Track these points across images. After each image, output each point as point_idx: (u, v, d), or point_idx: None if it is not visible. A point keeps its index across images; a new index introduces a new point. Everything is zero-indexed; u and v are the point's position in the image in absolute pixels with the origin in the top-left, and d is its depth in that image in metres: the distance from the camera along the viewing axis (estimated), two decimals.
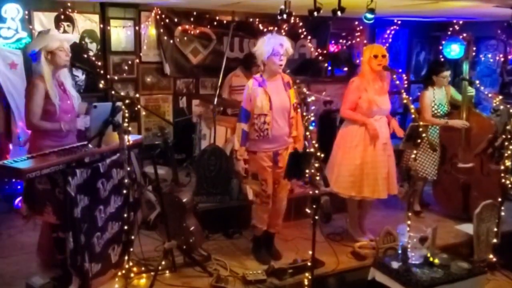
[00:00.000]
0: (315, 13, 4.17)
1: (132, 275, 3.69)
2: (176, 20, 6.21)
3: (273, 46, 3.78)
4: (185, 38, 6.32)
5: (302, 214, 3.89)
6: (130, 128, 3.33)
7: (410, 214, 3.69)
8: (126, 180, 3.36)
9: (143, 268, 3.88)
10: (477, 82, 5.14)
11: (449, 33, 7.39)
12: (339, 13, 4.25)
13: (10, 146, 5.24)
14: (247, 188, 4.89)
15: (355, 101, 4.26)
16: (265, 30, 6.37)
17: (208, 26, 6.38)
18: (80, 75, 5.82)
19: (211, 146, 5.15)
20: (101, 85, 3.77)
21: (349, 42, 7.35)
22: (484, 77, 7.58)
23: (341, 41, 7.38)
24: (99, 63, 5.83)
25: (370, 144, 4.24)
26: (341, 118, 5.73)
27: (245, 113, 3.92)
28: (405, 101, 4.02)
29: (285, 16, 4.25)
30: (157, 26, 6.14)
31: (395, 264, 3.51)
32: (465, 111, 4.99)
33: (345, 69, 7.40)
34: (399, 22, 7.35)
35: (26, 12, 5.37)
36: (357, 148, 4.27)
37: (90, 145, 3.39)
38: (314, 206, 3.04)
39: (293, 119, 3.93)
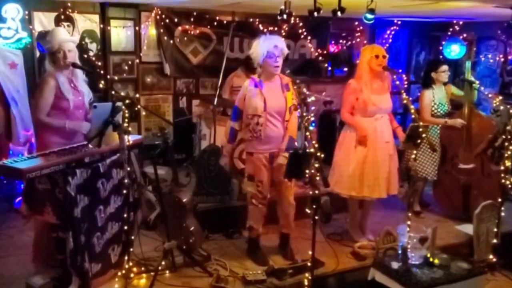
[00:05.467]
0: (315, 13, 4.18)
1: (132, 275, 3.69)
2: (176, 20, 6.21)
3: (267, 48, 3.78)
4: (185, 38, 6.32)
5: (302, 214, 3.88)
6: (130, 128, 3.33)
7: (410, 214, 3.69)
8: (126, 180, 3.36)
9: (143, 268, 3.88)
10: (477, 82, 5.13)
11: (449, 33, 7.39)
12: (339, 13, 4.25)
13: (10, 146, 5.24)
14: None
15: (353, 102, 4.28)
16: (265, 30, 6.37)
17: (208, 26, 6.38)
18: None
19: (211, 146, 5.16)
20: (101, 85, 3.77)
21: (349, 43, 7.35)
22: (484, 77, 7.57)
23: (341, 41, 7.38)
24: (99, 63, 5.83)
25: (371, 144, 4.24)
26: (341, 119, 5.74)
27: (236, 112, 3.99)
28: (405, 101, 4.02)
29: (285, 16, 4.25)
30: (157, 26, 6.14)
31: (395, 265, 3.51)
32: (467, 111, 4.98)
33: (345, 69, 7.40)
34: (399, 22, 7.35)
35: (26, 12, 5.37)
36: (357, 149, 4.27)
37: (90, 145, 3.39)
38: (314, 206, 3.04)
39: (288, 122, 3.91)
